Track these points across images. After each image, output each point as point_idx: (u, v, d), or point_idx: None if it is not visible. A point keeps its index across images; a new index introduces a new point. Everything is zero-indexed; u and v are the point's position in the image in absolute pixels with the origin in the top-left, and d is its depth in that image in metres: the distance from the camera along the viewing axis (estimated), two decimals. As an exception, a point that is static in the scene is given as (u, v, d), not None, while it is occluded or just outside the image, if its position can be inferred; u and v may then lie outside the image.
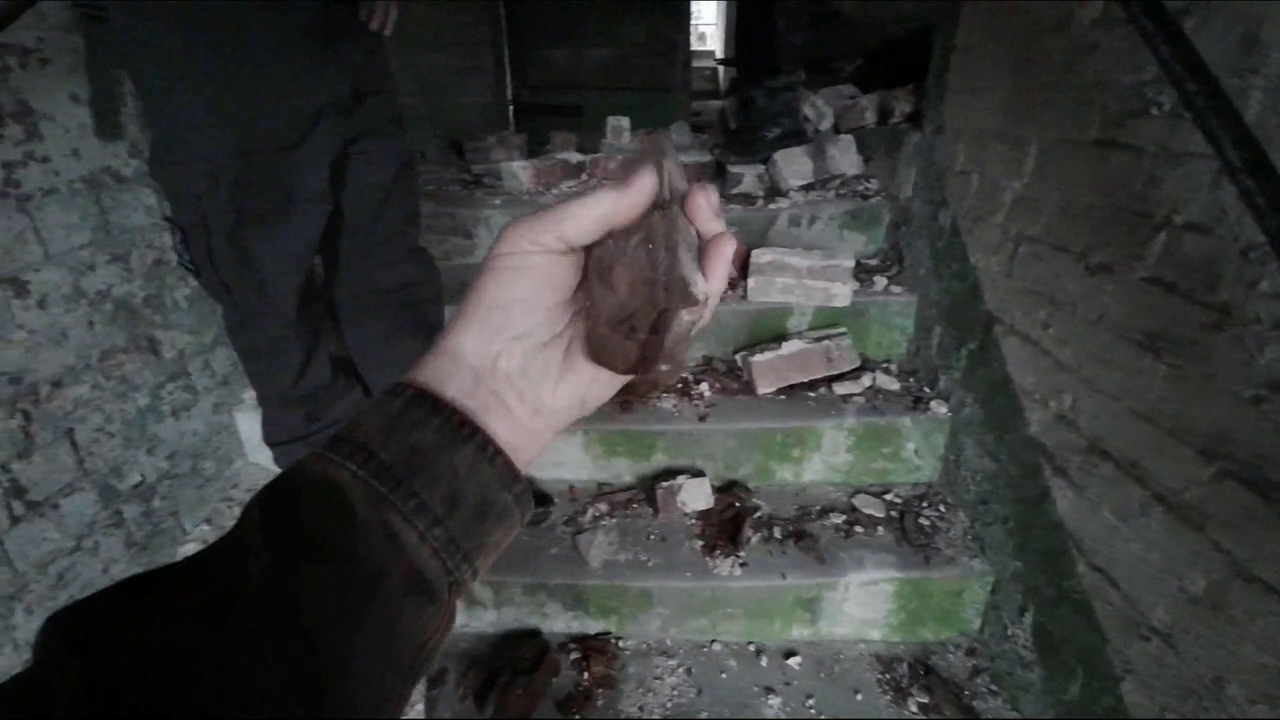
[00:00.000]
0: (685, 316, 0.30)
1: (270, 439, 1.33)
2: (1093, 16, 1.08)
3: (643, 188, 0.31)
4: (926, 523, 1.49)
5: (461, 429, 0.28)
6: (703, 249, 0.32)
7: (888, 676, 1.36)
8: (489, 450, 0.29)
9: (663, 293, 0.30)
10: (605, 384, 0.34)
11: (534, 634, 1.45)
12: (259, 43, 0.97)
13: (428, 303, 1.35)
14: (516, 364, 0.31)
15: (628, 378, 0.34)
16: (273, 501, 0.26)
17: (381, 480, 0.26)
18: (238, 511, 1.52)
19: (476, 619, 1.47)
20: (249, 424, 1.58)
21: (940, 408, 1.55)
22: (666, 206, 0.32)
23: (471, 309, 0.31)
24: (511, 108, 3.53)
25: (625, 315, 0.31)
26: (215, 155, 0.99)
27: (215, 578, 0.24)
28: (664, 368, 0.31)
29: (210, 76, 0.96)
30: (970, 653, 1.39)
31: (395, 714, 0.25)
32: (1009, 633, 1.30)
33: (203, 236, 1.03)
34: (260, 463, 1.60)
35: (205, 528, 1.47)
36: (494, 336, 0.30)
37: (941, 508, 1.53)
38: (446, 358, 0.30)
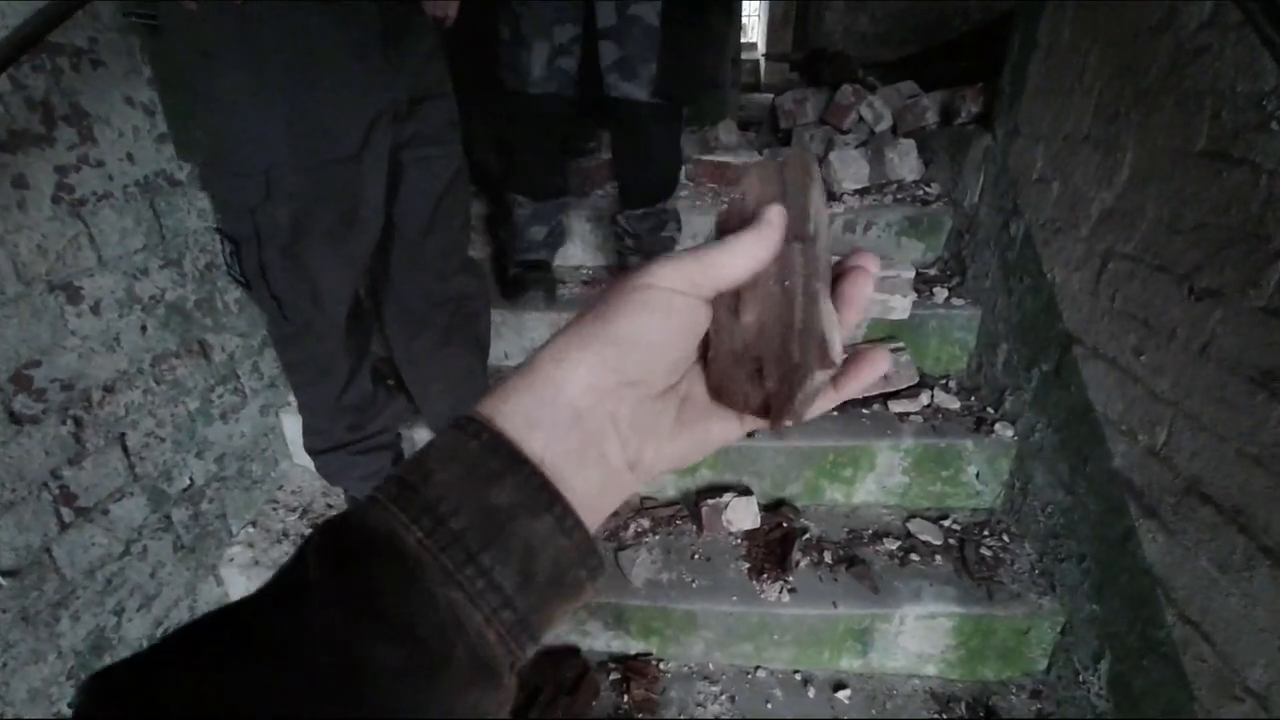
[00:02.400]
0: (819, 376, 0.28)
1: (312, 447, 1.32)
2: (1201, 18, 0.98)
3: (774, 230, 0.29)
4: (988, 553, 1.40)
5: (540, 493, 0.25)
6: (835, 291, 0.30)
7: (944, 717, 1.29)
8: (567, 522, 0.25)
9: (798, 347, 0.28)
10: (714, 439, 0.31)
11: (574, 651, 1.42)
12: (318, 51, 0.94)
13: (477, 315, 1.32)
14: (627, 412, 0.27)
15: (736, 435, 0.32)
16: (333, 556, 0.23)
17: (450, 554, 0.23)
18: (283, 514, 1.53)
19: (516, 634, 1.44)
20: (294, 426, 1.58)
21: (1006, 430, 1.46)
22: (807, 239, 0.29)
23: (590, 339, 0.27)
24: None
25: (752, 354, 0.29)
26: (272, 167, 0.97)
27: (272, 639, 0.21)
28: (788, 423, 0.29)
29: (269, 87, 0.93)
30: (1035, 695, 1.31)
31: None
32: (1081, 679, 1.22)
33: (255, 250, 1.01)
34: (305, 464, 1.60)
35: (251, 530, 1.47)
36: (610, 375, 0.27)
37: (1005, 538, 1.44)
38: (543, 388, 0.26)
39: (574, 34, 1.50)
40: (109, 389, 1.13)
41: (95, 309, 1.10)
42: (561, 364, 0.26)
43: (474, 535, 0.23)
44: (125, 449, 1.17)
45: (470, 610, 0.23)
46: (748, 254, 0.28)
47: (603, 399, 0.27)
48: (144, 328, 1.20)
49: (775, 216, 0.29)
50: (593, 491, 0.27)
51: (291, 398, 1.61)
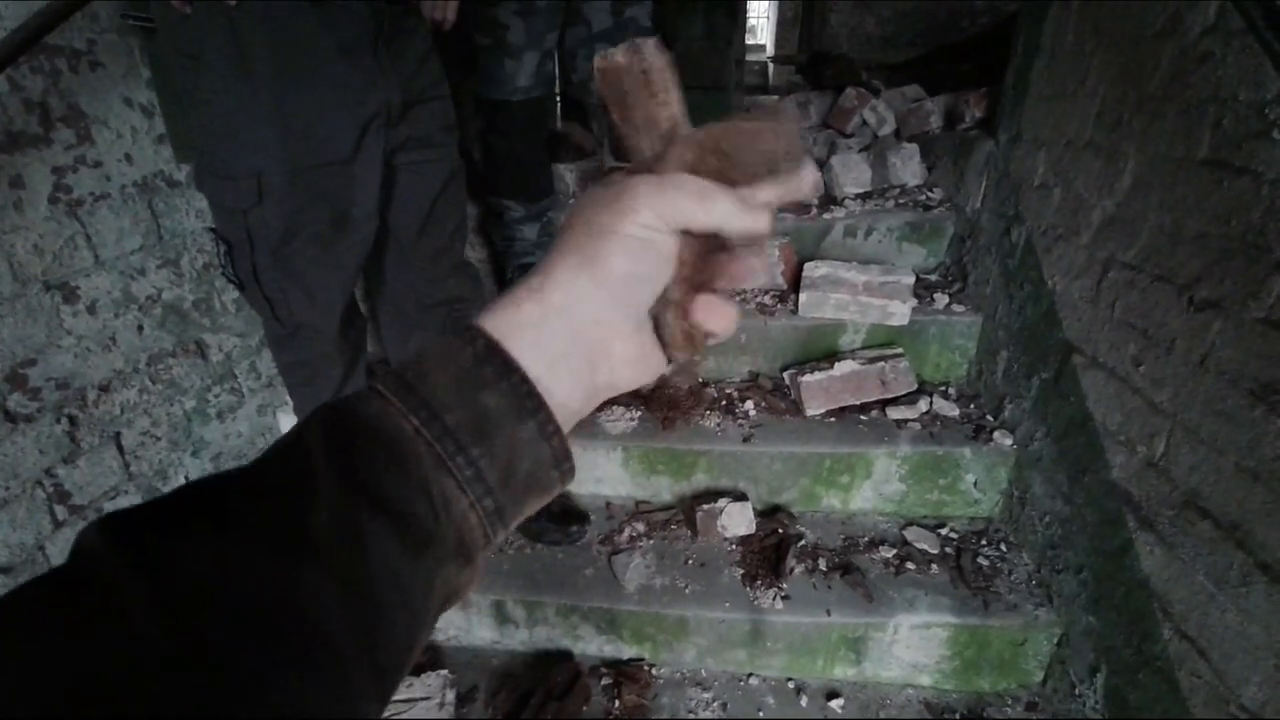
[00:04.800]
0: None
1: (308, 447, 1.32)
2: (1204, 24, 0.96)
3: (763, 217, 0.31)
4: (985, 563, 1.39)
5: (528, 400, 0.27)
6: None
7: (938, 727, 1.27)
8: (549, 429, 0.28)
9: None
10: (655, 368, 0.34)
11: (566, 656, 1.41)
12: (308, 53, 0.94)
13: (472, 318, 1.32)
14: (619, 341, 0.30)
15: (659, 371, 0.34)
16: (335, 439, 0.25)
17: (443, 444, 0.25)
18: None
19: (508, 637, 1.44)
20: (291, 425, 1.59)
21: (1005, 439, 1.44)
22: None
23: (603, 279, 0.29)
24: (559, 103, 3.48)
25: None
26: (264, 170, 0.97)
27: (284, 510, 0.23)
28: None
29: (258, 90, 0.93)
30: (1030, 707, 1.30)
31: (417, 656, 0.26)
32: (1076, 691, 1.20)
33: (247, 251, 1.02)
34: (301, 465, 1.60)
35: (246, 529, 1.48)
36: (617, 311, 0.30)
37: (1002, 547, 1.42)
38: (550, 319, 0.28)
39: (556, 38, 1.50)
40: (104, 388, 1.14)
41: (91, 309, 1.11)
42: (573, 299, 0.29)
43: (465, 430, 0.26)
44: (120, 448, 1.17)
45: (458, 495, 0.26)
46: (724, 217, 0.30)
47: (606, 332, 0.30)
48: (140, 327, 1.20)
49: (809, 175, 0.31)
50: (575, 404, 0.30)
51: (289, 397, 1.62)
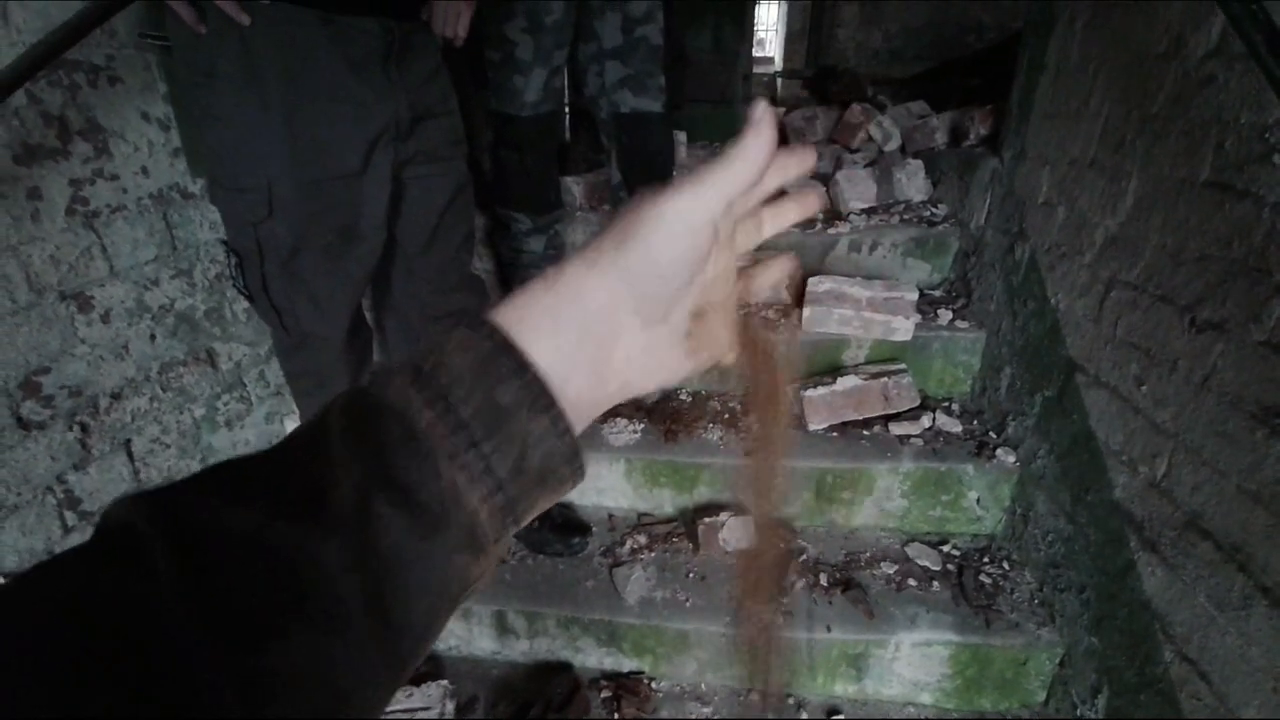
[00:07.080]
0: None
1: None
2: (1207, 47, 0.97)
3: (765, 127, 0.30)
4: (988, 580, 1.38)
5: (540, 398, 0.28)
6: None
7: (939, 746, 1.27)
8: (560, 426, 0.28)
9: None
10: (679, 371, 0.34)
11: (566, 667, 1.41)
12: (320, 70, 0.96)
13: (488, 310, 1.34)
14: (629, 340, 0.30)
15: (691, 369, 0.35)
16: (358, 423, 0.26)
17: (456, 438, 0.26)
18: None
19: (509, 648, 1.44)
20: (297, 434, 1.60)
21: (1008, 456, 1.44)
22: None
23: (610, 267, 0.29)
24: (568, 114, 3.51)
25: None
26: (274, 183, 0.99)
27: (303, 486, 0.24)
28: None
29: (269, 105, 0.95)
30: (1032, 727, 1.29)
31: (429, 643, 0.27)
32: (1079, 712, 1.19)
33: (257, 263, 1.04)
34: (306, 472, 1.62)
35: (251, 536, 1.49)
36: (627, 300, 0.30)
37: (1005, 565, 1.42)
38: (563, 308, 0.29)
39: (566, 54, 1.52)
40: (116, 396, 1.16)
41: (105, 318, 1.13)
42: (583, 291, 0.29)
43: (478, 425, 0.26)
44: (130, 455, 1.19)
45: (469, 489, 0.26)
46: (743, 159, 0.30)
47: (614, 325, 0.30)
48: (153, 336, 1.22)
49: (762, 113, 0.30)
50: (585, 402, 0.30)
51: (296, 406, 1.63)
